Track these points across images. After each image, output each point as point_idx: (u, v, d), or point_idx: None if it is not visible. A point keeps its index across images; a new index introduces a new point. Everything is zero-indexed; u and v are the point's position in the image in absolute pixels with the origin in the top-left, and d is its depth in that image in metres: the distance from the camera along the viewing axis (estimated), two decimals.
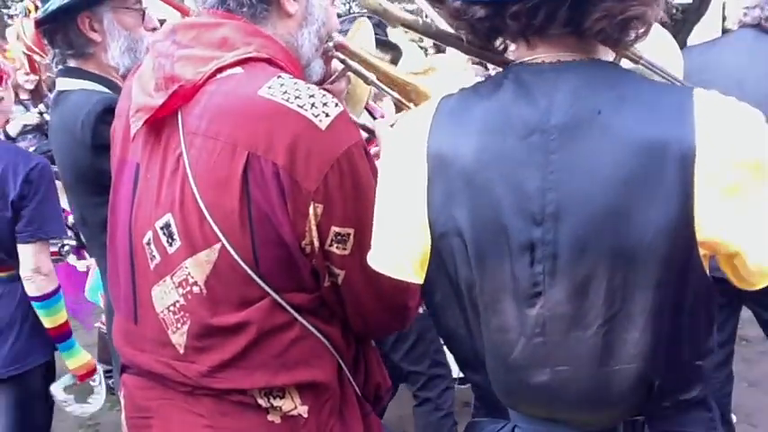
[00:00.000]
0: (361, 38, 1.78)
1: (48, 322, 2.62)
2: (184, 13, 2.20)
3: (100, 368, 2.81)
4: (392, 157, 1.24)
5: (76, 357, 2.69)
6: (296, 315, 1.40)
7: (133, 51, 2.15)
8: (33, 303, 2.61)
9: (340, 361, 1.47)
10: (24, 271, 2.58)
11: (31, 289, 2.59)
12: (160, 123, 1.42)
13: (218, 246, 1.35)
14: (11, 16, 13.78)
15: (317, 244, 1.37)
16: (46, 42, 2.24)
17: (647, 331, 1.10)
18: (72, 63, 2.20)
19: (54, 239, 2.79)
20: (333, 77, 1.65)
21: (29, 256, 2.58)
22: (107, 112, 1.88)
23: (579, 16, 1.09)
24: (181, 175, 1.37)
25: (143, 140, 1.46)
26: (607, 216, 1.07)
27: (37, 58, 2.45)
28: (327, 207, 1.35)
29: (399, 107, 1.69)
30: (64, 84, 2.19)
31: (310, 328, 1.41)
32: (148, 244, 1.43)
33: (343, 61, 1.61)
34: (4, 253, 2.60)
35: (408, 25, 1.42)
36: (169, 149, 1.40)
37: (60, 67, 2.23)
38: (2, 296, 2.64)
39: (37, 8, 2.22)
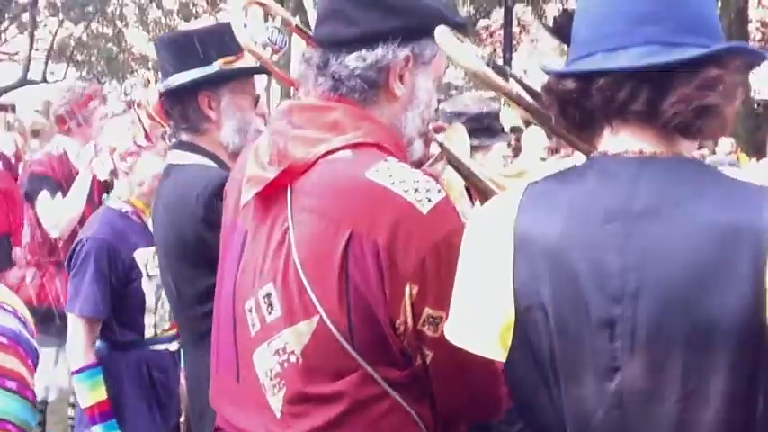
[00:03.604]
0: (456, 140, 1.85)
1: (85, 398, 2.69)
2: (293, 84, 2.26)
3: None
4: (478, 235, 1.33)
5: None
6: (388, 389, 1.46)
7: (243, 132, 2.24)
8: None
9: None
10: None
11: None
12: (270, 196, 1.52)
13: (316, 318, 1.43)
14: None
15: (410, 323, 1.44)
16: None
17: (721, 412, 1.15)
18: (184, 137, 2.28)
19: None
20: (431, 160, 1.74)
21: None
22: (222, 190, 1.91)
23: (657, 98, 1.20)
24: (286, 247, 1.47)
25: (253, 210, 1.57)
26: (683, 298, 1.15)
27: (143, 134, 2.53)
28: (423, 289, 1.42)
29: (484, 195, 1.72)
30: (176, 157, 2.27)
31: (401, 402, 1.47)
32: (250, 311, 1.53)
33: (440, 144, 1.70)
34: None
35: (506, 94, 1.51)
36: (276, 221, 1.50)
37: (173, 140, 2.32)
38: None
39: (156, 80, 2.29)
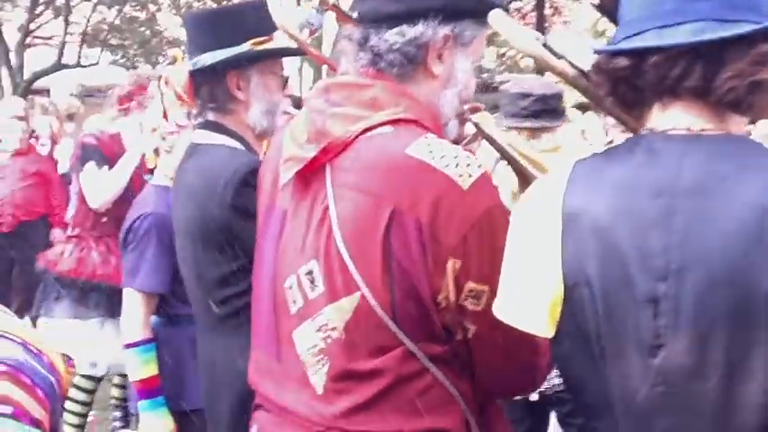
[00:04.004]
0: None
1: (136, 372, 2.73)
2: (329, 64, 2.26)
3: None
4: (526, 213, 1.34)
5: None
6: (429, 364, 1.47)
7: (271, 114, 2.24)
8: None
9: (467, 411, 1.53)
10: None
11: None
12: (309, 174, 1.53)
13: (358, 294, 1.45)
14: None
15: (452, 298, 1.45)
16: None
17: (765, 387, 1.15)
18: (211, 116, 2.27)
19: None
20: (466, 140, 1.75)
21: None
22: (252, 175, 1.93)
23: (711, 73, 1.20)
24: (327, 225, 1.48)
25: (291, 189, 1.59)
26: (726, 276, 1.15)
27: (174, 109, 2.54)
28: (465, 263, 1.43)
29: (521, 174, 1.75)
30: (202, 136, 2.28)
31: (442, 377, 1.48)
32: (290, 288, 1.55)
33: (476, 125, 1.70)
34: None
35: (562, 74, 1.51)
36: (317, 200, 1.52)
37: (199, 119, 2.32)
38: None
39: (183, 57, 2.30)
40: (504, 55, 18.14)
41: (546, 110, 3.23)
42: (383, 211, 1.43)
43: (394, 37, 1.54)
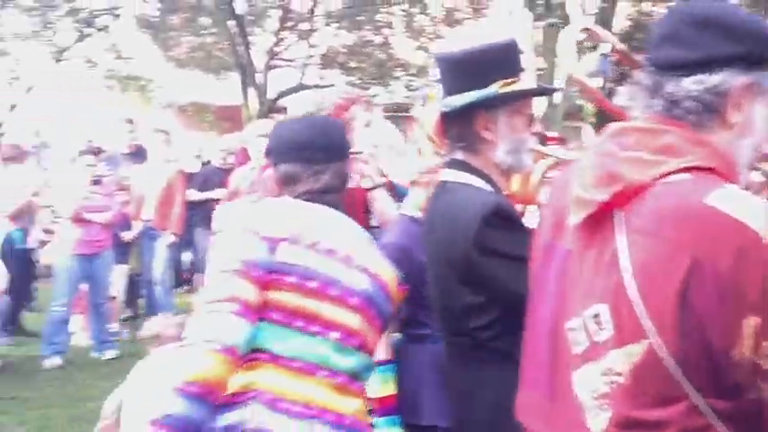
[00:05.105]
0: None
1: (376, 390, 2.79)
2: (615, 112, 2.27)
3: None
4: None
5: None
6: (715, 421, 1.42)
7: (518, 152, 2.30)
8: None
9: None
10: None
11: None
12: (599, 217, 1.52)
13: (647, 342, 1.42)
14: None
15: (747, 355, 1.39)
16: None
17: None
18: (459, 155, 2.36)
19: None
20: (753, 190, 1.71)
21: None
22: (494, 215, 2.09)
23: None
24: (618, 269, 1.46)
25: (578, 229, 1.58)
26: None
27: (426, 147, 2.67)
28: (765, 320, 1.37)
29: None
30: (448, 174, 2.37)
31: None
32: (574, 330, 1.54)
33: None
34: None
35: None
36: (606, 243, 1.50)
37: (447, 158, 2.41)
38: None
39: (435, 97, 2.40)
40: None
41: None
42: (680, 259, 1.39)
43: (692, 85, 1.51)
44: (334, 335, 2.05)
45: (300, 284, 2.00)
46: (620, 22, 16.34)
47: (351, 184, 3.91)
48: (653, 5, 17.38)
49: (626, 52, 1.92)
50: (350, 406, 2.09)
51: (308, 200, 2.18)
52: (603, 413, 1.48)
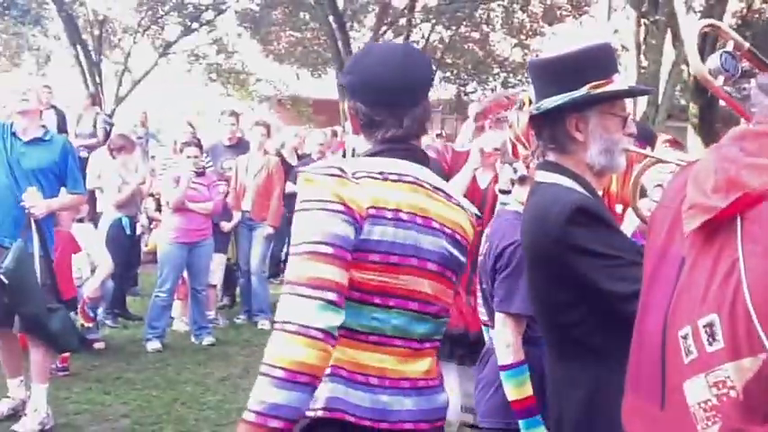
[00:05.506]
0: None
1: (511, 393, 2.81)
2: (740, 112, 2.21)
3: None
4: None
5: None
6: None
7: (610, 153, 2.29)
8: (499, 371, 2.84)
9: None
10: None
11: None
12: (717, 223, 1.48)
13: (763, 356, 1.38)
14: None
15: None
16: (532, 134, 2.50)
17: None
18: (551, 157, 2.36)
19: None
20: None
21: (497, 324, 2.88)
22: (578, 213, 2.10)
23: None
24: (734, 279, 1.42)
25: (692, 236, 1.54)
26: None
27: (521, 148, 2.71)
28: None
29: None
30: (542, 176, 2.38)
31: None
32: (685, 338, 1.51)
33: None
34: None
35: None
36: (723, 251, 1.46)
37: (540, 159, 2.44)
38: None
39: (531, 102, 2.41)
40: None
41: None
42: None
43: None
44: (413, 305, 2.04)
45: (382, 261, 1.99)
46: (727, 19, 15.79)
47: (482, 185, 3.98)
48: (762, 2, 16.72)
49: (754, 52, 1.85)
50: (421, 368, 2.08)
51: (388, 149, 2.08)
52: (713, 425, 1.45)
